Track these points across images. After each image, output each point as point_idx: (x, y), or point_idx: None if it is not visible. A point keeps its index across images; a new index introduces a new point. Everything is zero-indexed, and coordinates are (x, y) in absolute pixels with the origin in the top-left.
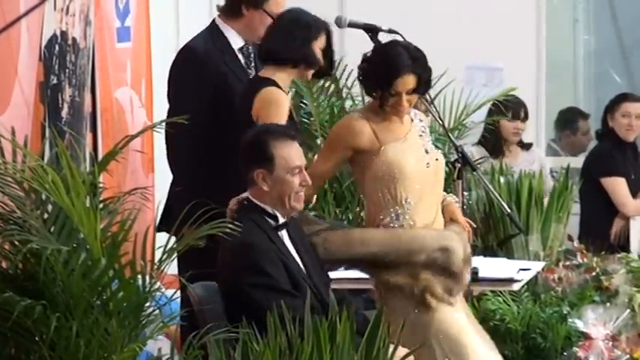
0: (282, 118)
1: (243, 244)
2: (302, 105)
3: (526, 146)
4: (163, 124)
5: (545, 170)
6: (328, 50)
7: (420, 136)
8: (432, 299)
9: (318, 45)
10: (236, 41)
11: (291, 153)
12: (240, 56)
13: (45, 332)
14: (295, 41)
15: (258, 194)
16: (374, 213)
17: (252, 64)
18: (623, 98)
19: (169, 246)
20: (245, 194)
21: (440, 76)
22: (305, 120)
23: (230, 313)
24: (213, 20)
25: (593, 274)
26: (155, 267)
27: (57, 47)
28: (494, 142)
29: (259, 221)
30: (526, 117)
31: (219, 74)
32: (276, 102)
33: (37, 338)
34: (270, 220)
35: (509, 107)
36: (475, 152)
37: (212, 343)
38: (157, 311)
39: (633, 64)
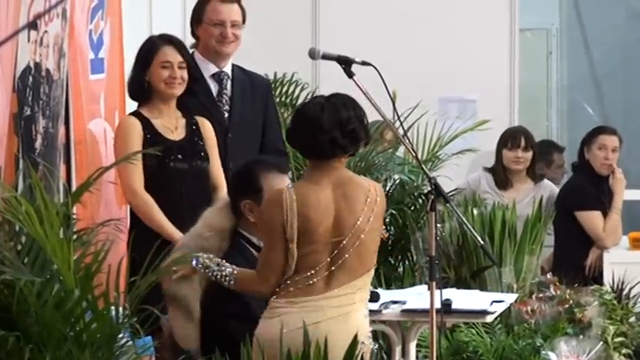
0: (122, 142)
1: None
2: None
3: (538, 177)
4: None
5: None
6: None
7: None
8: None
9: (157, 67)
10: (209, 69)
11: (279, 186)
12: (211, 83)
13: None
14: (134, 79)
15: (245, 224)
16: None
17: (225, 89)
18: (599, 131)
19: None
20: None
21: (413, 108)
22: None
23: (206, 340)
24: (192, 53)
25: (567, 306)
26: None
27: (31, 78)
28: (500, 171)
29: (243, 251)
30: (529, 146)
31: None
32: (119, 128)
33: None
34: (254, 251)
35: (509, 135)
36: (482, 177)
37: None
38: (130, 342)
39: (606, 96)
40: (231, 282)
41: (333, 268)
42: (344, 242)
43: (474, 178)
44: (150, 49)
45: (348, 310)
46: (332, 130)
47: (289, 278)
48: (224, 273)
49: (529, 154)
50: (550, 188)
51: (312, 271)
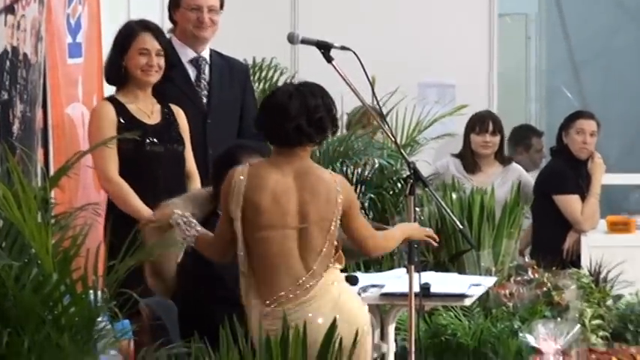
0: (95, 129)
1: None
2: None
3: (506, 161)
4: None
5: (528, 189)
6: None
7: None
8: None
9: (135, 53)
10: (187, 54)
11: None
12: (189, 68)
13: None
14: (111, 63)
15: None
16: None
17: (204, 74)
18: (577, 115)
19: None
20: None
21: (392, 93)
22: None
23: (185, 324)
24: (170, 38)
25: (544, 289)
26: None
27: (8, 63)
28: (468, 156)
29: None
30: (497, 130)
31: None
32: (93, 115)
33: None
34: None
35: (477, 120)
36: (451, 163)
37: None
38: (109, 326)
39: (584, 81)
40: (192, 243)
41: (316, 261)
42: (313, 234)
43: (442, 164)
44: (128, 34)
45: (339, 289)
46: (298, 118)
47: (275, 284)
48: (190, 233)
49: (497, 139)
50: (519, 172)
51: (302, 279)
